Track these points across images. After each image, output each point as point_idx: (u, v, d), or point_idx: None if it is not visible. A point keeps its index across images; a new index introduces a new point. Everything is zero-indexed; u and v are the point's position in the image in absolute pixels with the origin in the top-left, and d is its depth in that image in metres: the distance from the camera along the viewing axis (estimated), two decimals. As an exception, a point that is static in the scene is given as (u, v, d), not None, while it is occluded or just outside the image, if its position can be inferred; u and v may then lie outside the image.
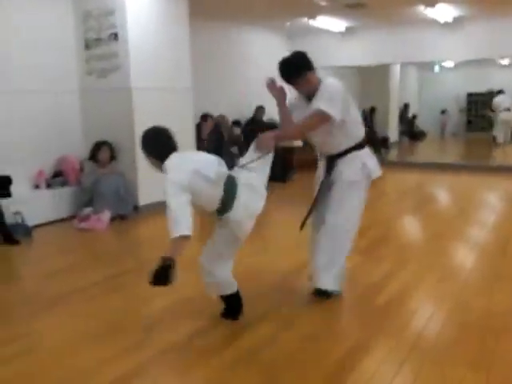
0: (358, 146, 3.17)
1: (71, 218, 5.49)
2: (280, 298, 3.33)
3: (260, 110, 8.44)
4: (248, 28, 8.80)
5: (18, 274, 4.21)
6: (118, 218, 5.55)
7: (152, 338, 2.83)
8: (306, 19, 8.14)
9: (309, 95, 3.08)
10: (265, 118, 8.53)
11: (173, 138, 2.74)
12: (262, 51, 9.07)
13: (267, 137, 3.00)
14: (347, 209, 3.15)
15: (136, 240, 5.23)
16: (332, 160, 3.18)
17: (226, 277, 2.87)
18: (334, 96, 2.97)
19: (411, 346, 2.64)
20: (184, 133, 6.53)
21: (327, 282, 3.20)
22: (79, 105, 6.05)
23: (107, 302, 3.38)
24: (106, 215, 5.36)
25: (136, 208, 5.83)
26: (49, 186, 5.63)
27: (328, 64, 9.14)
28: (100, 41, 5.72)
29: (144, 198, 5.89)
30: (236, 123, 8.24)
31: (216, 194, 2.67)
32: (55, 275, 3.94)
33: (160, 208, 6.41)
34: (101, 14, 5.65)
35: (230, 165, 8.18)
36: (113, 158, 5.77)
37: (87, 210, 5.36)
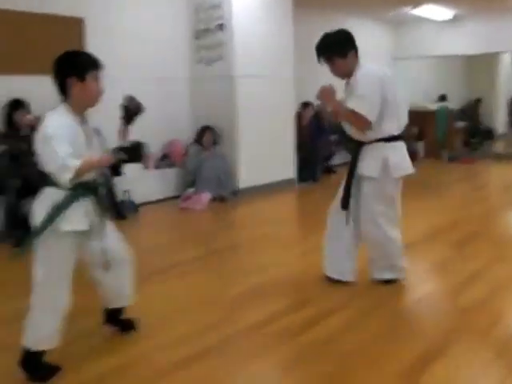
0: (385, 139, 2.98)
1: (176, 197, 5.89)
2: (356, 290, 3.28)
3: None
4: (351, 18, 8.69)
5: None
6: (218, 200, 5.86)
7: (235, 316, 2.93)
8: (409, 8, 7.93)
9: (343, 78, 3.03)
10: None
11: None
12: (365, 41, 8.90)
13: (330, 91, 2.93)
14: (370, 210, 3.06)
15: (232, 221, 5.48)
16: (356, 147, 3.08)
17: None
18: (367, 91, 2.84)
19: (498, 350, 2.48)
20: (285, 120, 6.70)
21: (382, 273, 3.24)
22: (188, 92, 6.44)
23: (199, 278, 3.58)
24: (207, 196, 5.69)
25: (236, 191, 6.11)
26: (156, 167, 6.07)
27: (432, 53, 8.88)
28: (208, 31, 6.06)
29: (244, 181, 6.16)
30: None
31: None
32: (155, 250, 4.26)
33: (259, 192, 6.69)
34: (210, 7, 5.99)
35: (328, 152, 8.24)
36: (216, 142, 6.08)
37: (190, 191, 5.73)
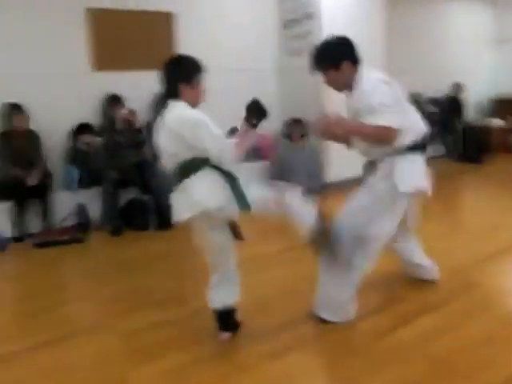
0: (396, 152, 2.61)
1: (264, 191, 5.85)
2: (459, 288, 3.06)
3: (457, 87, 7.88)
4: (448, 1, 8.23)
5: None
6: (307, 193, 5.70)
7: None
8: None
9: (339, 90, 2.69)
10: (464, 96, 7.95)
11: None
12: (464, 23, 8.43)
13: (327, 121, 2.57)
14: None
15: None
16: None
17: None
18: (383, 100, 2.47)
19: None
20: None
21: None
22: (276, 83, 6.38)
23: (272, 274, 3.49)
24: (296, 191, 5.55)
25: (326, 184, 5.93)
26: (245, 160, 6.04)
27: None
28: (296, 21, 5.95)
29: (334, 174, 5.98)
30: (432, 101, 7.82)
31: None
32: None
33: (350, 185, 6.42)
34: (298, -5, 5.87)
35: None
36: (305, 134, 5.95)
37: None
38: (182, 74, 2.52)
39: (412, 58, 7.56)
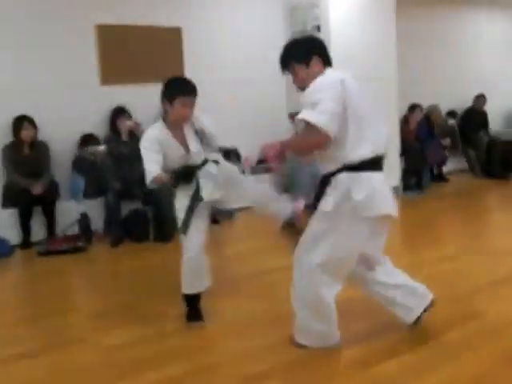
0: (352, 167, 2.34)
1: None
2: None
3: (480, 98, 7.64)
4: (467, 8, 7.96)
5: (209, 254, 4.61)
6: (314, 207, 5.62)
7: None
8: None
9: (303, 90, 2.45)
10: (487, 108, 7.71)
11: None
12: (483, 32, 8.19)
13: (269, 144, 2.40)
14: (321, 247, 2.41)
15: None
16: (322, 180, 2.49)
17: None
18: (322, 96, 2.24)
19: None
20: (388, 124, 6.28)
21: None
22: (286, 95, 6.34)
23: (277, 290, 3.40)
24: (300, 203, 5.50)
25: (330, 198, 5.86)
26: (253, 172, 6.03)
27: None
28: (305, 33, 5.88)
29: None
30: (450, 114, 7.62)
31: None
32: (238, 257, 4.26)
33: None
34: (306, 7, 5.84)
35: (440, 158, 7.50)
36: (312, 147, 5.89)
37: (283, 197, 5.58)
38: (165, 95, 2.85)
39: (427, 69, 7.39)
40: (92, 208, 5.11)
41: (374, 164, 2.39)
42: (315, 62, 2.48)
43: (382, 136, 2.46)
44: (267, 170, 6.00)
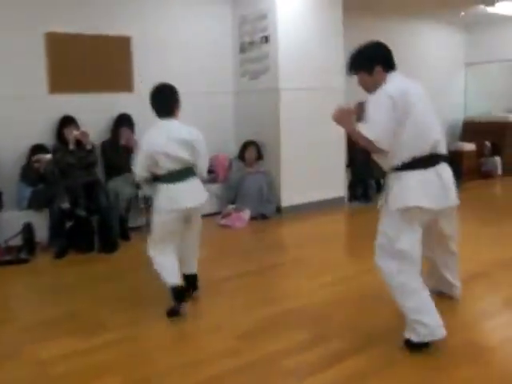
0: (409, 166, 2.65)
1: (218, 214, 5.76)
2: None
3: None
4: (414, 20, 8.11)
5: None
6: (260, 218, 5.72)
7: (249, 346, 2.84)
8: (482, 7, 7.18)
9: (369, 92, 2.78)
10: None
11: None
12: (431, 46, 8.41)
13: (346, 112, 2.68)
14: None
15: (269, 242, 5.14)
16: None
17: None
18: (376, 116, 2.56)
19: None
20: (334, 134, 6.44)
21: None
22: (232, 106, 6.41)
23: (230, 300, 3.51)
24: (247, 214, 5.58)
25: (279, 209, 5.95)
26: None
27: (510, 57, 8.07)
28: (253, 44, 5.99)
29: (288, 199, 5.98)
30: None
31: None
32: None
33: (304, 211, 6.39)
34: (255, 18, 5.91)
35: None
36: (259, 157, 5.98)
37: (230, 207, 5.66)
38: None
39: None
40: (37, 218, 5.05)
41: (411, 165, 2.64)
42: (377, 70, 2.74)
43: (421, 138, 2.67)
44: (213, 181, 6.04)
